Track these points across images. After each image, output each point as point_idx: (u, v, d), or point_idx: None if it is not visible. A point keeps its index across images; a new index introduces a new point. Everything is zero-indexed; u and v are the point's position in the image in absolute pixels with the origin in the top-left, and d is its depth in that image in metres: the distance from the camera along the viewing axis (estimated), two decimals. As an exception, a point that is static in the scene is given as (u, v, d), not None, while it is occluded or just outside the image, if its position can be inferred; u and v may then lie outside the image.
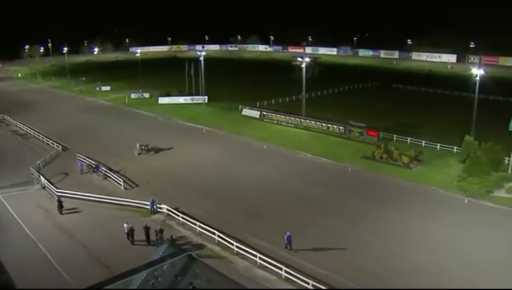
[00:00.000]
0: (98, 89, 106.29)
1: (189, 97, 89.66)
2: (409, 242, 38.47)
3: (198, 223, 39.83)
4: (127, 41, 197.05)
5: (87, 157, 56.54)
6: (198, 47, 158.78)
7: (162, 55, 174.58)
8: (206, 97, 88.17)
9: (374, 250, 37.09)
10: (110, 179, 51.29)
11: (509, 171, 51.53)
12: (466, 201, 46.33)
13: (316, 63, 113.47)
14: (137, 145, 60.48)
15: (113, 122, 77.37)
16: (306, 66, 74.53)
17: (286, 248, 36.64)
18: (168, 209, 42.98)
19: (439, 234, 39.73)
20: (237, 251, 36.41)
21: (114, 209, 44.15)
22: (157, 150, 60.79)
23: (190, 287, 5.82)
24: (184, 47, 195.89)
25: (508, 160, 52.37)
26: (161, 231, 37.87)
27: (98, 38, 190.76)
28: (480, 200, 46.39)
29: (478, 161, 49.72)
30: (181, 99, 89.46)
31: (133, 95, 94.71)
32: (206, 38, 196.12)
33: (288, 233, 36.58)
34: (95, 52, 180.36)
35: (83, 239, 39.03)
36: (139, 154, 59.71)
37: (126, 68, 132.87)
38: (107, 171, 52.70)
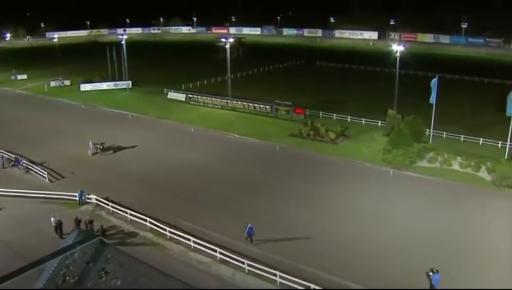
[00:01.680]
0: (13, 78, 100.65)
1: (113, 83, 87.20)
2: (339, 216, 39.77)
3: (129, 211, 39.17)
4: (43, 25, 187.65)
5: (7, 151, 53.85)
6: (119, 31, 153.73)
7: (81, 40, 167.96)
8: (130, 82, 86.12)
9: (306, 227, 38.03)
10: (33, 172, 49.23)
11: (430, 142, 54.26)
12: (391, 173, 48.45)
13: (240, 43, 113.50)
14: (90, 143, 54.16)
15: (32, 113, 73.91)
16: (230, 46, 74.44)
17: (246, 239, 35.40)
18: (97, 199, 41.88)
19: (368, 206, 41.35)
20: (170, 237, 36.23)
21: (39, 203, 42.38)
22: (117, 149, 55.53)
23: (102, 272, 5.79)
24: (104, 31, 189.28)
25: (429, 132, 55.09)
26: (91, 222, 36.94)
27: (9, 23, 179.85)
28: (405, 171, 48.68)
29: (401, 134, 51.92)
30: (104, 86, 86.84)
31: (52, 83, 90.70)
32: (127, 22, 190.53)
33: (249, 225, 35.24)
34: (6, 38, 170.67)
35: (6, 237, 36.94)
36: (94, 154, 53.86)
37: (43, 55, 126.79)
38: (29, 164, 50.48)
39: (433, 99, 53.33)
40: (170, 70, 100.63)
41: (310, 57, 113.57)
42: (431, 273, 29.54)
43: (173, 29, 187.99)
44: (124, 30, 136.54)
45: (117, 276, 6.10)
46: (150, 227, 37.47)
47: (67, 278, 6.01)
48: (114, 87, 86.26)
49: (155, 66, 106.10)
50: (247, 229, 35.09)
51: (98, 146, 53.99)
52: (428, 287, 29.79)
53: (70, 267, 5.83)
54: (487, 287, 29.37)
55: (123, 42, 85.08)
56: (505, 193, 43.89)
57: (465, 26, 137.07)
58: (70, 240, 6.42)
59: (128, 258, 6.65)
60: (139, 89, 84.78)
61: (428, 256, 33.74)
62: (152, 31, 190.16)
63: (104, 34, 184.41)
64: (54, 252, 6.02)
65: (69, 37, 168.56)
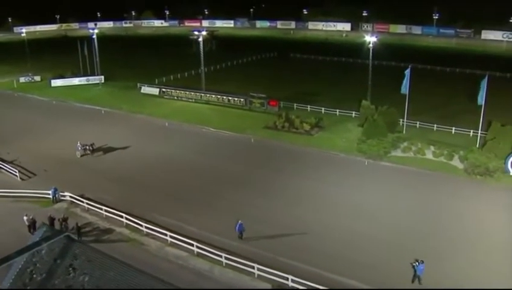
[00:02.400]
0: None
1: (84, 78, 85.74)
2: (316, 207, 39.97)
3: (104, 207, 38.66)
4: (10, 20, 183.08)
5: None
6: (90, 25, 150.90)
7: (51, 35, 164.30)
8: (102, 77, 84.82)
9: (283, 219, 38.10)
10: (4, 171, 48.13)
11: (404, 132, 54.83)
12: (366, 163, 48.85)
13: (213, 36, 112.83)
14: (79, 144, 51.44)
15: (1, 109, 72.26)
16: (203, 39, 73.92)
17: (239, 238, 34.78)
18: (71, 197, 41.19)
19: (344, 196, 41.69)
20: (147, 232, 35.92)
21: (11, 202, 41.49)
22: (107, 150, 53.29)
23: (70, 269, 5.66)
24: (75, 25, 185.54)
25: (403, 121, 55.65)
26: (65, 220, 36.36)
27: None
28: (379, 161, 49.13)
29: (375, 124, 52.31)
30: (76, 81, 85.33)
31: (22, 79, 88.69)
32: (98, 15, 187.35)
33: (239, 222, 34.69)
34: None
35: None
36: (82, 155, 51.40)
37: (11, 50, 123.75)
38: (-1, 162, 49.36)
39: (406, 89, 53.80)
40: (143, 64, 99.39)
41: (284, 49, 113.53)
42: (416, 264, 29.78)
43: (145, 23, 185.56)
44: (95, 24, 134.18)
45: (85, 272, 5.96)
46: (126, 223, 37.10)
47: (34, 275, 5.83)
48: (86, 83, 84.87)
49: (128, 60, 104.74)
50: (237, 226, 34.53)
51: (88, 147, 51.64)
52: (412, 277, 30.05)
53: (38, 265, 5.67)
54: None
55: (94, 36, 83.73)
56: (477, 181, 44.66)
57: (437, 17, 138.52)
58: (37, 237, 6.25)
59: (96, 253, 6.52)
60: (112, 84, 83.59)
61: (404, 244, 34.23)
62: (124, 25, 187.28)
63: (74, 28, 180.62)
64: (19, 250, 5.83)
65: (38, 31, 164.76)
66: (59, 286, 5.80)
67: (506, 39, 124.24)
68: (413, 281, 29.88)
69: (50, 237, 6.13)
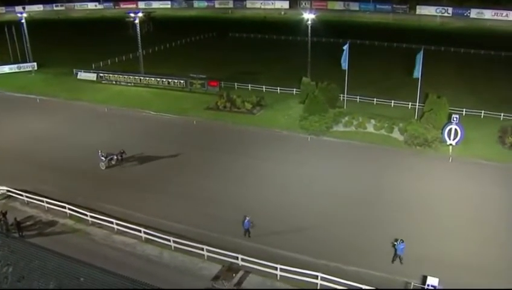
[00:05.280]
0: None
1: (15, 65, 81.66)
2: (263, 186, 40.28)
3: (45, 199, 37.30)
4: None
5: None
6: (18, 8, 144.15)
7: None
8: (35, 64, 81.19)
9: (230, 199, 38.15)
10: None
11: (345, 107, 55.73)
12: (309, 139, 49.51)
13: (150, 18, 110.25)
14: (100, 153, 43.62)
15: None
16: (140, 21, 72.04)
17: (245, 235, 33.02)
18: (8, 190, 39.43)
19: (289, 173, 42.18)
20: (92, 221, 35.04)
21: None
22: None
23: None
24: (1, 9, 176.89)
25: (343, 97, 56.53)
26: (4, 215, 34.76)
27: None
28: (322, 136, 49.93)
29: (316, 100, 52.85)
30: (6, 69, 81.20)
31: None
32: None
33: (247, 218, 32.81)
34: None
35: None
36: (108, 167, 43.77)
37: None
38: None
39: (345, 64, 54.52)
40: (78, 49, 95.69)
41: (222, 28, 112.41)
42: (396, 243, 30.27)
43: (78, 6, 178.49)
44: (23, 8, 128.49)
45: (8, 263, 5.69)
46: (70, 214, 36.03)
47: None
48: (17, 70, 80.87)
49: (61, 45, 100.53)
50: (245, 222, 32.79)
51: (117, 157, 44.18)
52: (393, 257, 30.55)
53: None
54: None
55: (23, 21, 79.84)
56: (417, 151, 46.22)
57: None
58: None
59: (19, 243, 6.22)
60: (46, 71, 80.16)
61: (351, 215, 35.10)
62: (55, 8, 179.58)
63: (0, 12, 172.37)
64: None
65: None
66: None
67: (440, 14, 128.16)
68: (393, 261, 30.29)
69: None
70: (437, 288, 26.07)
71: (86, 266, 6.90)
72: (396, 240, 30.28)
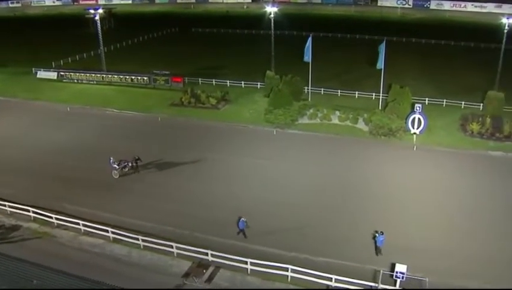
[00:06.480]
0: None
1: (-30, 65, 79.17)
2: (230, 180, 40.12)
3: (7, 203, 36.14)
4: None
5: None
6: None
7: None
8: (-9, 63, 78.80)
9: (197, 195, 37.91)
10: None
11: (310, 100, 56.00)
12: (275, 132, 49.59)
13: (111, 14, 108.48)
14: (111, 161, 40.81)
15: None
16: (100, 18, 70.62)
17: (238, 234, 32.33)
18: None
19: (256, 167, 42.14)
20: (58, 224, 34.22)
21: None
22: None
23: None
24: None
25: (307, 89, 56.79)
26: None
27: None
28: (287, 129, 50.06)
29: (281, 94, 52.91)
30: (-39, 69, 78.56)
31: None
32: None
33: (242, 219, 32.09)
34: None
35: None
36: (121, 175, 41.01)
37: None
38: None
39: (308, 57, 54.71)
40: (37, 47, 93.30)
41: (185, 24, 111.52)
42: (376, 235, 30.42)
43: (35, 2, 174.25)
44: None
45: None
46: (34, 217, 35.05)
47: None
48: (-27, 71, 78.38)
49: (19, 44, 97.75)
50: (239, 223, 32.13)
51: (132, 164, 41.43)
52: (375, 249, 30.74)
53: None
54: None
55: (-22, 20, 77.32)
56: (382, 141, 46.84)
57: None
58: None
59: None
60: (2, 70, 77.52)
61: (321, 206, 35.36)
62: (10, 5, 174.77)
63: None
64: None
65: None
66: None
67: (401, 5, 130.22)
68: (377, 254, 30.42)
69: None
70: (406, 276, 26.44)
71: (40, 269, 6.68)
72: (376, 232, 30.55)
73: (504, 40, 51.65)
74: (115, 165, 40.58)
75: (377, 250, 30.46)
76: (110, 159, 40.66)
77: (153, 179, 40.52)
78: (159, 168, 42.58)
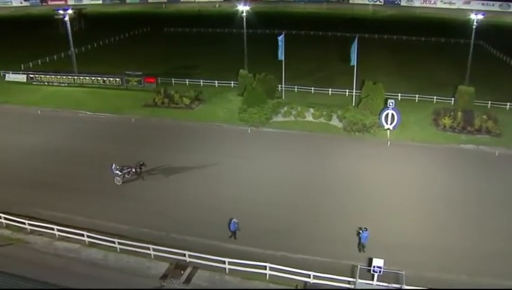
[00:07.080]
0: None
1: None
2: (205, 180, 39.93)
3: (-23, 210, 35.34)
4: None
5: None
6: None
7: None
8: (-44, 67, 76.65)
9: (173, 195, 37.68)
10: None
11: (283, 98, 56.14)
12: (249, 131, 49.57)
13: (81, 15, 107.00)
14: (114, 167, 39.40)
15: None
16: (70, 19, 69.52)
17: (230, 237, 32.01)
18: None
19: (230, 166, 42.01)
20: (31, 229, 33.53)
21: None
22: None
23: None
24: None
25: (281, 87, 56.91)
26: None
27: None
28: (262, 127, 50.09)
29: (254, 92, 52.92)
30: None
31: None
32: None
33: (233, 220, 31.73)
34: None
35: None
36: (124, 182, 39.70)
37: None
38: None
39: (281, 55, 54.82)
40: (4, 49, 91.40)
41: (157, 23, 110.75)
42: (360, 232, 30.48)
43: (1, 3, 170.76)
44: None
45: None
46: (6, 223, 34.26)
47: None
48: None
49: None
50: (230, 224, 31.78)
51: (135, 169, 39.95)
52: (358, 246, 30.83)
53: None
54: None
55: None
56: (356, 137, 47.22)
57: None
58: None
59: None
60: (-30, 74, 75.97)
61: (298, 204, 35.46)
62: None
63: None
64: None
65: None
66: None
67: (372, 2, 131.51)
68: (360, 250, 30.54)
69: None
70: (383, 270, 26.68)
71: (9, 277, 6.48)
72: (360, 229, 30.64)
73: (473, 35, 52.53)
74: (117, 172, 39.28)
75: (361, 246, 30.62)
76: (112, 166, 39.34)
77: (125, 180, 39.95)
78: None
